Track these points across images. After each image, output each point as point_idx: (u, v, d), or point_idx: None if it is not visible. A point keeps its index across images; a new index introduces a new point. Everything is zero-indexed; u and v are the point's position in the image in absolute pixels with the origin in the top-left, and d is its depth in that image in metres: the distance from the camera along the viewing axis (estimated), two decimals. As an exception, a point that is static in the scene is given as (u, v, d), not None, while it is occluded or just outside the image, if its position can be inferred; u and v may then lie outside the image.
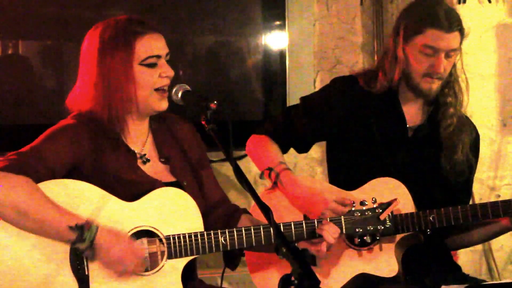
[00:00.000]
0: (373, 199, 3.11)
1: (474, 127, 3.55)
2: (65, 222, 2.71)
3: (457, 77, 3.43)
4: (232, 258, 3.09)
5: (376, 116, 3.44)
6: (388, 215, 3.10)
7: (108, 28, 2.89)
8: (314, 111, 3.47)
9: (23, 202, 2.70)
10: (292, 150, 3.59)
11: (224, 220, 3.09)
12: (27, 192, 2.72)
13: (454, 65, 3.40)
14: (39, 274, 2.75)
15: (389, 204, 3.10)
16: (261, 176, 3.40)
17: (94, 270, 2.78)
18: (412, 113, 3.46)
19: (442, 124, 3.42)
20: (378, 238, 3.15)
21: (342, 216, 3.09)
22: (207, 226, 2.95)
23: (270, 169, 3.34)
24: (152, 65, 2.89)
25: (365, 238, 3.10)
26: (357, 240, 3.13)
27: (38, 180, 2.76)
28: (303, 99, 3.55)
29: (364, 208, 3.09)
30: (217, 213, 3.11)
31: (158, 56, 2.90)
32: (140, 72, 2.88)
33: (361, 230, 3.08)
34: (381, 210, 3.09)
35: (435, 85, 3.36)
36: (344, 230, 3.07)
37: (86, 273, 2.77)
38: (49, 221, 2.71)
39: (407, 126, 3.45)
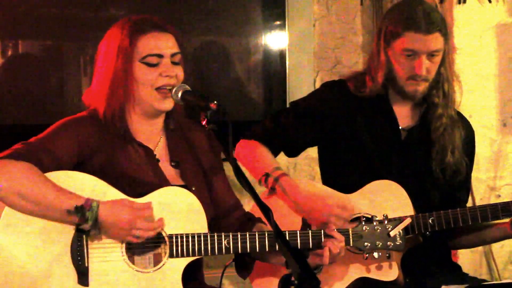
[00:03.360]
0: (385, 215, 3.05)
1: (468, 126, 3.52)
2: (65, 206, 2.71)
3: (447, 76, 3.40)
4: (244, 266, 3.07)
5: (368, 120, 3.43)
6: (399, 232, 3.02)
7: (118, 27, 2.92)
8: (304, 116, 3.45)
9: (24, 186, 2.72)
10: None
11: (237, 228, 3.07)
12: (27, 176, 2.73)
13: (443, 65, 3.38)
14: (39, 265, 2.76)
15: (400, 221, 3.04)
16: (260, 183, 3.36)
17: (94, 263, 2.79)
18: (404, 114, 3.45)
19: (432, 125, 3.41)
20: (388, 255, 3.09)
21: (350, 229, 3.04)
22: (220, 231, 2.93)
23: (267, 175, 3.32)
24: (153, 64, 2.89)
25: (374, 254, 3.02)
26: (365, 255, 3.06)
27: (42, 170, 2.78)
28: (293, 103, 3.54)
29: (374, 223, 3.03)
30: (230, 219, 3.10)
31: (160, 55, 2.90)
32: (139, 69, 2.89)
33: (369, 244, 3.02)
34: (391, 227, 3.03)
35: (421, 87, 3.34)
36: (351, 242, 3.02)
37: (86, 265, 2.78)
38: (51, 204, 2.73)
39: (400, 128, 3.44)
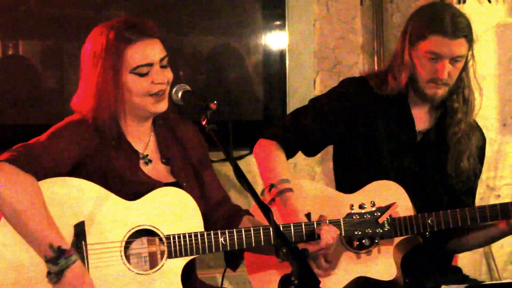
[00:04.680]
0: (372, 202, 3.12)
1: (482, 133, 3.53)
2: (50, 239, 2.70)
3: (468, 82, 3.41)
4: (233, 259, 3.09)
5: (386, 119, 3.43)
6: (387, 218, 3.11)
7: (102, 34, 2.89)
8: (323, 113, 3.44)
9: (20, 203, 2.71)
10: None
11: (226, 221, 3.09)
12: (27, 194, 2.72)
13: (465, 71, 3.38)
14: (40, 270, 2.74)
15: (387, 207, 3.12)
16: (262, 193, 3.33)
17: (94, 268, 2.79)
18: (421, 117, 3.45)
19: (449, 130, 3.41)
20: (377, 241, 3.14)
21: (341, 219, 3.09)
22: (209, 226, 2.96)
23: (271, 186, 3.30)
24: (144, 74, 2.88)
25: (363, 241, 3.10)
26: (355, 243, 3.13)
27: (43, 174, 2.78)
28: (312, 101, 3.52)
29: (363, 211, 3.10)
30: (219, 213, 3.11)
31: (150, 64, 2.89)
32: (131, 80, 2.88)
33: (359, 233, 3.10)
34: (379, 214, 3.11)
35: (441, 90, 3.34)
36: (343, 232, 3.08)
37: (87, 270, 2.78)
38: (36, 230, 2.71)
39: (416, 130, 3.44)
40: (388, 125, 3.43)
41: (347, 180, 3.48)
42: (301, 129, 3.44)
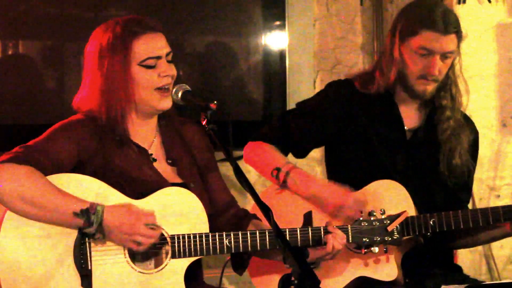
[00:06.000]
0: (382, 210, 3.09)
1: (474, 127, 3.52)
2: (71, 209, 2.72)
3: (455, 79, 3.41)
4: (240, 263, 3.08)
5: (374, 119, 3.43)
6: (396, 226, 3.07)
7: (107, 29, 2.91)
8: (310, 116, 3.44)
9: (28, 190, 2.72)
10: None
11: (233, 224, 3.08)
12: (31, 181, 2.73)
13: (452, 67, 3.39)
14: (42, 269, 2.75)
15: (397, 216, 3.09)
16: (277, 176, 3.34)
17: (97, 265, 2.80)
18: (410, 115, 3.45)
19: (439, 127, 3.41)
20: (385, 249, 3.12)
21: (349, 225, 3.07)
22: (216, 229, 2.94)
23: (278, 169, 3.33)
24: (151, 66, 2.90)
25: (372, 249, 3.06)
26: (364, 251, 3.10)
27: (43, 173, 2.77)
28: (299, 104, 3.54)
29: (372, 218, 3.07)
30: (226, 216, 3.10)
31: (158, 57, 2.90)
32: (139, 72, 2.89)
33: (367, 240, 3.06)
34: (389, 221, 3.08)
35: (430, 87, 3.34)
36: (350, 239, 3.06)
37: (89, 268, 2.78)
38: (55, 208, 2.73)
39: (405, 128, 3.44)
40: (377, 125, 3.42)
41: (340, 181, 3.46)
42: (288, 132, 3.45)
